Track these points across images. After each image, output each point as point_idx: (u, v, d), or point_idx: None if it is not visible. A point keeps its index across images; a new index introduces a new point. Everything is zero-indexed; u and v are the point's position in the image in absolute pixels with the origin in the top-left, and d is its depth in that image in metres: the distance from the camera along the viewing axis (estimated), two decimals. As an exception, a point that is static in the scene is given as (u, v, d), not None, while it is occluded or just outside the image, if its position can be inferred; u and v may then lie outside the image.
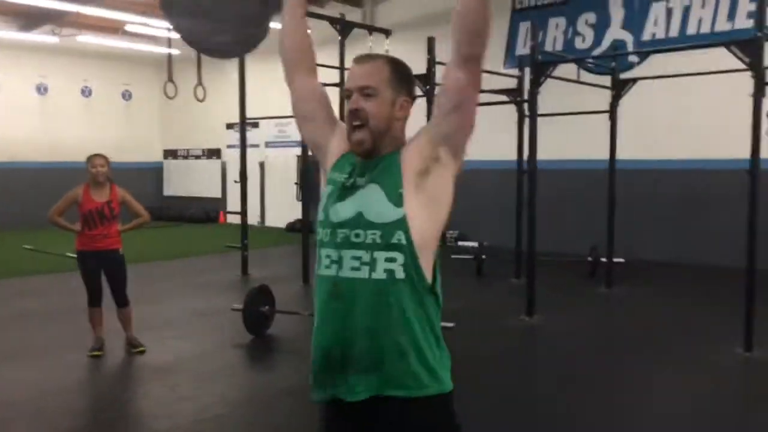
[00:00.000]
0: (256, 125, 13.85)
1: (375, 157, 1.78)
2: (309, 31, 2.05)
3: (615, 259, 7.97)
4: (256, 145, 14.64)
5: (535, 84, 6.57)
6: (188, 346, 5.67)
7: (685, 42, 9.37)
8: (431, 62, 7.02)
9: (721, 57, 5.81)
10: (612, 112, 7.81)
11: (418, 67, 4.21)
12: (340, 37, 7.98)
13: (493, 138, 9.63)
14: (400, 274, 1.67)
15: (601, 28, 10.53)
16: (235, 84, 9.06)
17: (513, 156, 8.64)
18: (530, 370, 5.28)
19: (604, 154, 7.93)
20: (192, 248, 11.73)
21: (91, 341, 5.31)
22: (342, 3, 12.45)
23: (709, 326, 6.26)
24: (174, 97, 9.39)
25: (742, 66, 5.44)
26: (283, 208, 14.45)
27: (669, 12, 9.87)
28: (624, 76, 8.03)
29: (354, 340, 1.68)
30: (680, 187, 9.69)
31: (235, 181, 9.83)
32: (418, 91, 5.60)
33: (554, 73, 6.84)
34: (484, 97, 8.37)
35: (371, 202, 1.71)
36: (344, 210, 1.74)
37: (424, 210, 1.71)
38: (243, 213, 9.24)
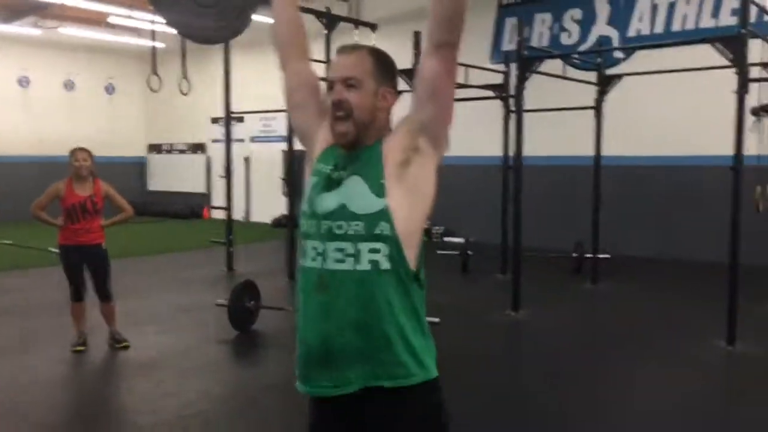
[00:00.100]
0: (241, 120, 13.77)
1: (358, 148, 1.77)
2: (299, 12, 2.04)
3: (600, 255, 8.03)
4: (242, 140, 14.58)
5: (521, 79, 6.58)
6: (172, 341, 5.63)
7: (669, 38, 9.46)
8: (417, 57, 7.01)
9: (706, 54, 5.86)
10: (597, 108, 7.86)
11: (404, 61, 4.19)
12: (326, 31, 7.95)
13: (479, 134, 9.64)
14: (384, 264, 1.66)
15: (586, 24, 10.58)
16: (220, 78, 8.99)
17: (499, 152, 8.66)
18: (515, 365, 5.30)
19: (590, 150, 7.97)
20: (176, 244, 11.64)
21: (74, 336, 5.27)
22: (328, -4, 12.40)
23: (692, 321, 6.31)
24: (158, 90, 9.31)
25: (726, 63, 5.49)
26: (268, 204, 14.39)
27: (654, 8, 9.93)
28: (609, 72, 8.07)
29: (340, 333, 1.67)
30: (665, 184, 9.78)
31: (220, 176, 9.77)
32: (404, 86, 5.58)
33: (540, 69, 6.86)
34: (470, 93, 8.36)
35: (354, 193, 1.70)
36: (328, 201, 1.73)
37: (407, 200, 1.70)
38: (228, 208, 9.20)
